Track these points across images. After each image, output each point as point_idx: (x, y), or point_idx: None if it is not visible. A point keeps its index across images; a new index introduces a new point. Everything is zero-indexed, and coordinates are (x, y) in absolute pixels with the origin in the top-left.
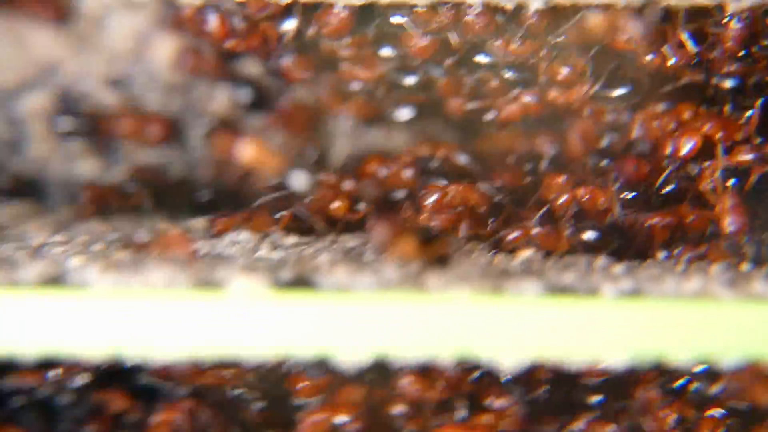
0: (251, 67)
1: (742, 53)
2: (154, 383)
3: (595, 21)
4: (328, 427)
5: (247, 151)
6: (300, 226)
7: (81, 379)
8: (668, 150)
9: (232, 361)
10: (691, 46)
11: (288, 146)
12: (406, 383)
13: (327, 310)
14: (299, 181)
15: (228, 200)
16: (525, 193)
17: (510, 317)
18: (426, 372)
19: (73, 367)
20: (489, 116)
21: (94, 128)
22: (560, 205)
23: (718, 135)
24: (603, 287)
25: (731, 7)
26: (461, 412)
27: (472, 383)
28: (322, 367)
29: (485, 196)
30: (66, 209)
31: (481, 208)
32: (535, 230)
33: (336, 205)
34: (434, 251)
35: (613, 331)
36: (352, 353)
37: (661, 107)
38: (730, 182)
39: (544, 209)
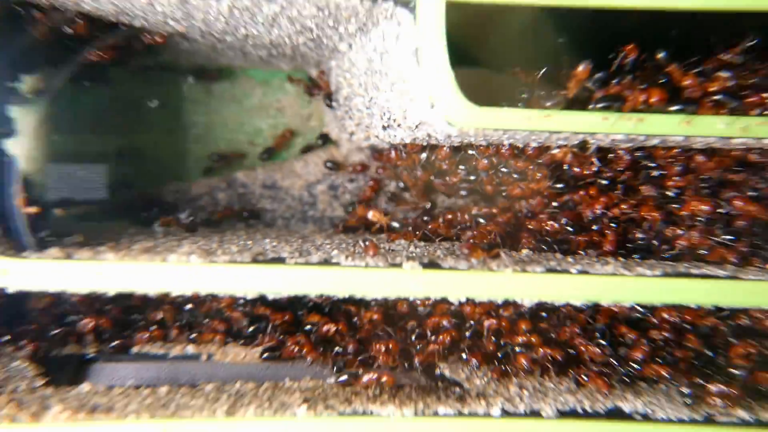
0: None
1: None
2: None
3: (555, 153)
4: (438, 325)
5: (370, 214)
6: (426, 236)
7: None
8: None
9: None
10: (596, 163)
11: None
12: (468, 309)
13: (446, 277)
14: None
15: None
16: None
17: (531, 281)
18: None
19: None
20: (504, 194)
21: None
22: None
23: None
24: (569, 268)
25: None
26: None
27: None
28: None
29: (504, 227)
30: (331, 229)
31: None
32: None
33: (440, 227)
34: (491, 252)
35: (575, 286)
36: (456, 296)
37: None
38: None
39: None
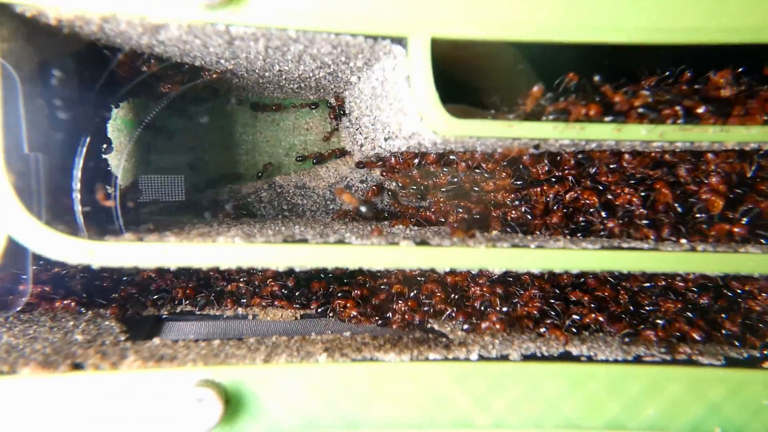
0: (400, 172)
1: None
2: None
3: (515, 151)
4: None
5: (346, 198)
6: (419, 222)
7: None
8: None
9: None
10: (547, 164)
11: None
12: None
13: (433, 252)
14: (365, 211)
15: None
16: (490, 211)
17: (499, 254)
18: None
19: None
20: (476, 189)
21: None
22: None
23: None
24: (529, 244)
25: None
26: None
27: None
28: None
29: (477, 215)
30: (347, 218)
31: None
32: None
33: (429, 215)
34: (469, 233)
35: (534, 257)
36: (442, 267)
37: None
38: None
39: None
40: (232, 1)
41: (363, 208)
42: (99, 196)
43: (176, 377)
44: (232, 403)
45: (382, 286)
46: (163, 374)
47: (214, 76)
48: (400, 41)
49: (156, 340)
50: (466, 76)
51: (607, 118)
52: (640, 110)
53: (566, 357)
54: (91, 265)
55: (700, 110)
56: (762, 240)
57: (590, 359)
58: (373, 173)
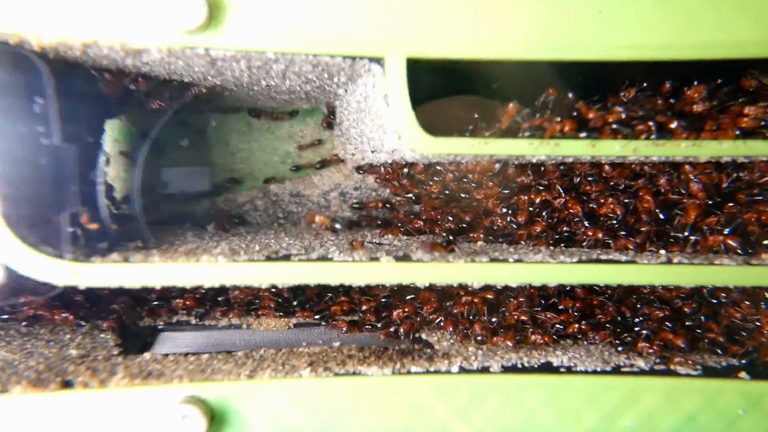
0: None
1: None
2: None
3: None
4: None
5: (316, 220)
6: (408, 232)
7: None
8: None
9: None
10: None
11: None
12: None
13: (416, 267)
14: (339, 226)
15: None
16: (478, 220)
17: (477, 269)
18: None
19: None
20: (464, 197)
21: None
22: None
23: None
24: (509, 258)
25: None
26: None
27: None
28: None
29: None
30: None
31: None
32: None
33: (419, 224)
34: (448, 248)
35: (512, 271)
36: (424, 281)
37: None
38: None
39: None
40: (210, 25)
41: (337, 225)
42: (82, 220)
43: (162, 394)
44: (216, 418)
45: (376, 296)
46: (150, 391)
47: (204, 91)
48: (377, 60)
49: (146, 355)
50: (447, 90)
51: (582, 134)
52: (614, 126)
53: (546, 368)
54: (78, 285)
55: (673, 125)
56: (739, 251)
57: (569, 370)
58: (367, 180)
